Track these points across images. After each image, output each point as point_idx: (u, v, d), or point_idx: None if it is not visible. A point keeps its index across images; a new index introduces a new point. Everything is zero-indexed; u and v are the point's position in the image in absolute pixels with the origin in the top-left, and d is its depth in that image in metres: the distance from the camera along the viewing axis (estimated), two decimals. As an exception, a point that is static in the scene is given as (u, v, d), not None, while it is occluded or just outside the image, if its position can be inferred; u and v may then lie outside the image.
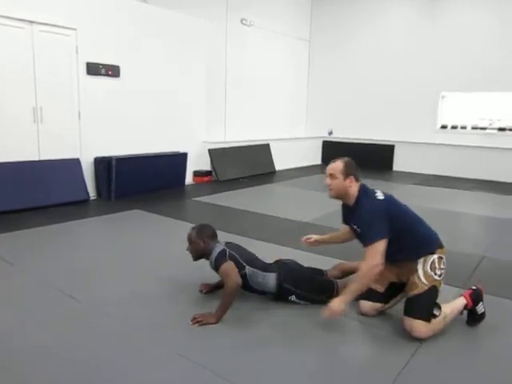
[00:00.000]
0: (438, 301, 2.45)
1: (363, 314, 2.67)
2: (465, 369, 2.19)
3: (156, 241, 4.22)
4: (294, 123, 10.86)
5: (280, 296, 2.80)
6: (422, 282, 2.44)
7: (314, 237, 3.10)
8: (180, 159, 7.10)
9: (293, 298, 2.80)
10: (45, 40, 5.36)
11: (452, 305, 2.52)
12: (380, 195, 2.56)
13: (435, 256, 2.51)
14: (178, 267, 3.42)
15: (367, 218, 2.48)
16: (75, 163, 5.81)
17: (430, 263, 2.48)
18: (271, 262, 2.94)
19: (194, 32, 7.30)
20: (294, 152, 10.18)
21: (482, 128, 9.04)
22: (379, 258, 2.40)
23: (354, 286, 2.46)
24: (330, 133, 10.90)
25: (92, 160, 6.07)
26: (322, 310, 2.45)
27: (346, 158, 2.63)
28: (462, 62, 8.96)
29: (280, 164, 9.52)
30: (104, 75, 6.01)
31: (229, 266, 2.62)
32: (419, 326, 2.35)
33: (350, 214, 2.66)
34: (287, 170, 9.66)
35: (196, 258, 2.85)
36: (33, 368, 2.10)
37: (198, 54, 7.46)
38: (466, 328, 2.57)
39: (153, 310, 2.71)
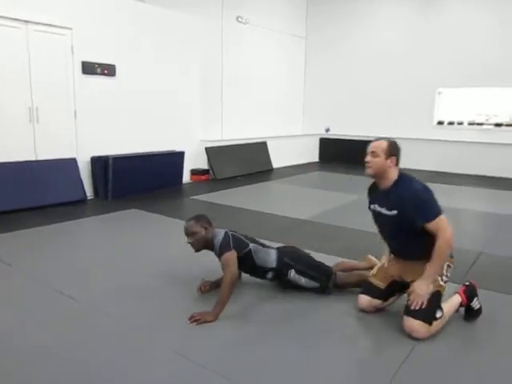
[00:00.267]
0: None
1: (361, 310, 2.67)
2: (462, 365, 2.20)
3: (154, 240, 4.22)
4: (290, 121, 10.85)
5: (280, 272, 2.82)
6: None
7: (383, 264, 2.78)
8: (177, 158, 7.09)
9: (292, 272, 2.82)
10: (40, 39, 5.34)
11: (448, 304, 2.51)
12: None
13: (445, 263, 2.50)
14: (177, 266, 3.43)
15: (422, 194, 2.44)
16: (72, 163, 5.79)
17: None
18: None
19: (189, 30, 7.27)
20: (291, 149, 10.18)
21: (478, 124, 9.06)
22: (451, 229, 2.35)
23: (435, 266, 2.39)
24: (327, 130, 10.91)
25: (89, 159, 6.05)
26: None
27: (391, 139, 2.59)
28: (458, 58, 8.97)
29: (277, 162, 9.52)
30: (100, 74, 5.99)
31: (231, 256, 2.63)
32: (419, 328, 2.33)
33: (381, 197, 2.58)
34: (284, 167, 9.66)
35: (198, 248, 2.80)
36: (33, 368, 2.10)
37: (194, 53, 7.43)
38: (464, 324, 2.58)
39: (152, 309, 2.71)
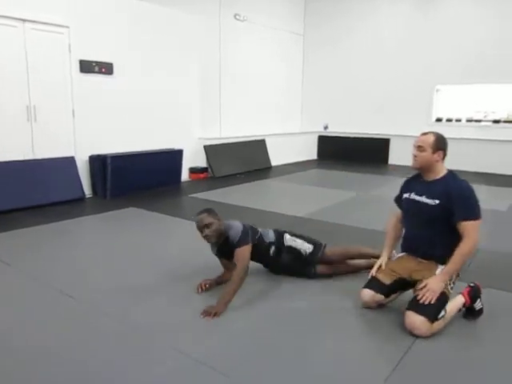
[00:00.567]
0: None
1: (363, 304, 2.67)
2: (462, 361, 2.20)
3: (153, 238, 4.21)
4: (289, 118, 10.84)
5: (279, 242, 3.01)
6: None
7: (382, 263, 2.75)
8: (175, 156, 7.07)
9: (287, 236, 3.05)
10: (37, 38, 5.32)
11: (451, 304, 2.49)
12: None
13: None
14: (176, 264, 3.43)
15: (469, 192, 2.44)
16: (70, 161, 5.78)
17: None
18: None
19: (187, 28, 7.25)
20: (289, 147, 10.17)
21: (476, 120, 9.06)
22: (478, 236, 2.40)
23: (455, 265, 2.42)
24: (326, 127, 10.90)
25: (87, 158, 6.04)
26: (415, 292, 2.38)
27: (438, 133, 2.58)
28: (456, 55, 8.96)
29: (276, 159, 9.52)
30: (97, 73, 5.97)
31: (247, 250, 2.74)
32: (421, 325, 2.31)
33: (422, 187, 2.57)
34: (283, 165, 9.66)
35: (215, 240, 2.82)
36: (32, 368, 2.09)
37: (192, 51, 7.41)
38: (463, 321, 2.58)
39: (151, 308, 2.71)
